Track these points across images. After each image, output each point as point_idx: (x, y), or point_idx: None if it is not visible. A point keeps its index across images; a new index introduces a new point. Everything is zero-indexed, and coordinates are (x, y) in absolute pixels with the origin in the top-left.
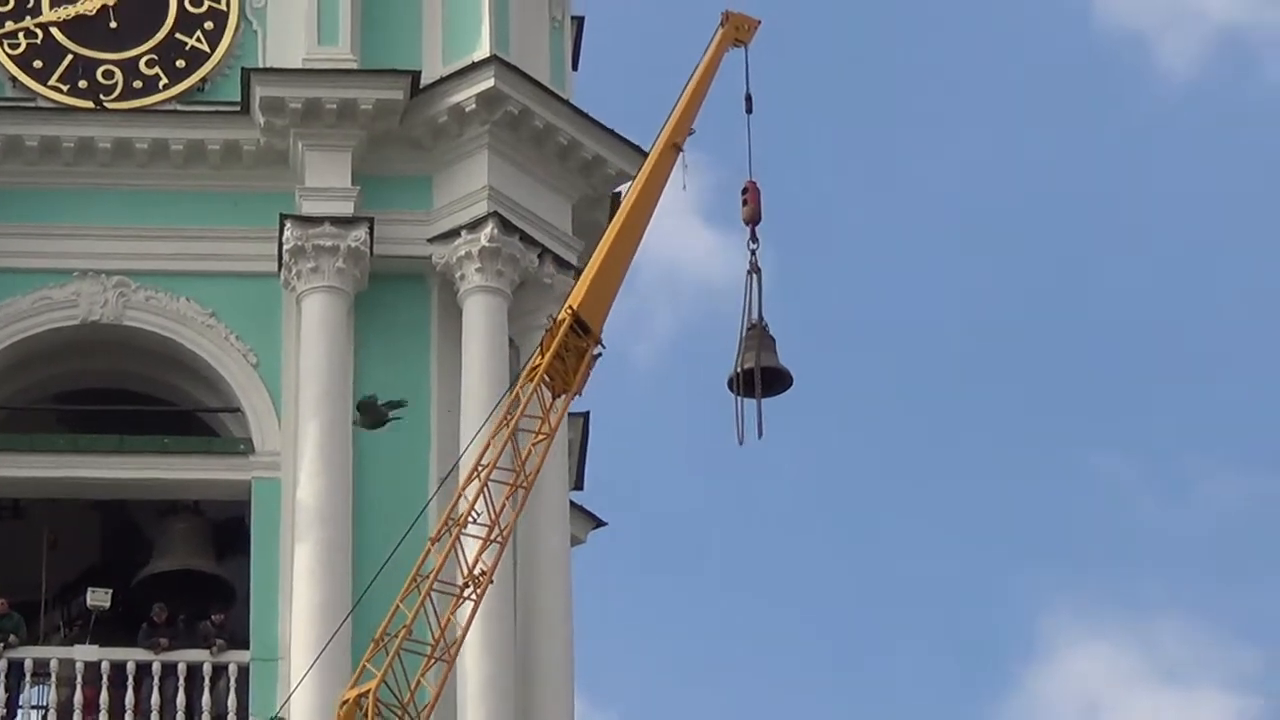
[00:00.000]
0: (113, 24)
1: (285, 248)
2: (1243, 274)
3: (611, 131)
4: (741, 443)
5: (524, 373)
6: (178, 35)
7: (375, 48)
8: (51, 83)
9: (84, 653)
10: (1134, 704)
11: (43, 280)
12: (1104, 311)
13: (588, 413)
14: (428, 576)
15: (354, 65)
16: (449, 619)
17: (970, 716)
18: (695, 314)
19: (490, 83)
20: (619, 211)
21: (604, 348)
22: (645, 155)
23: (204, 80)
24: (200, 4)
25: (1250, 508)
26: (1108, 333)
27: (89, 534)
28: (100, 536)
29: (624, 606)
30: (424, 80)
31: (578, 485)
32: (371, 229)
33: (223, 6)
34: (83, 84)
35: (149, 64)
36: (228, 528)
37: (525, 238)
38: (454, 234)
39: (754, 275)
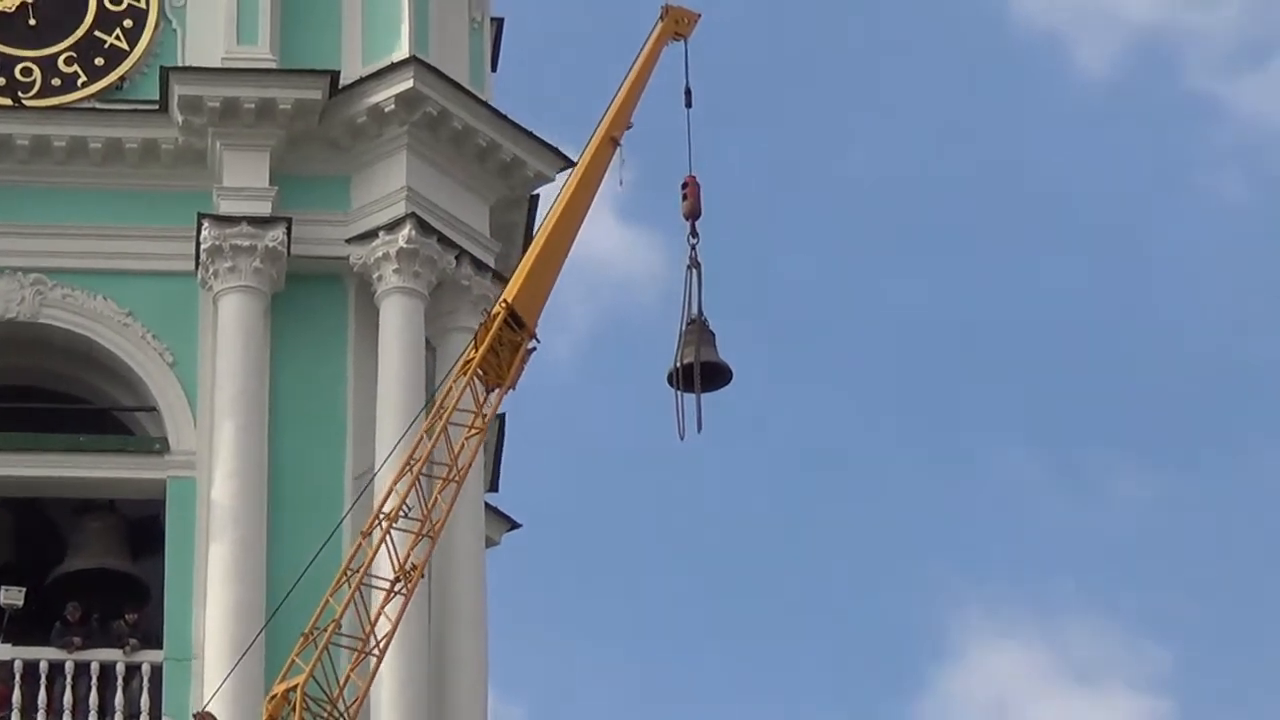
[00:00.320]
0: (32, 21)
1: (203, 247)
2: (1158, 272)
3: (530, 133)
4: (682, 438)
5: (457, 366)
6: (97, 33)
7: (295, 47)
8: None
9: None
10: (1044, 704)
11: None
12: (1017, 310)
13: (504, 415)
14: (358, 571)
15: (273, 65)
16: (379, 613)
17: (880, 715)
18: (612, 310)
19: (409, 83)
20: (554, 205)
21: (539, 342)
22: (565, 158)
23: (123, 79)
24: (120, 2)
25: (1160, 507)
26: (1021, 331)
27: (2, 532)
28: (14, 534)
29: (537, 604)
30: (343, 80)
31: (493, 487)
32: (289, 229)
33: (142, 5)
34: (0, 81)
35: (68, 62)
36: (143, 527)
37: (443, 239)
38: (372, 235)
39: (694, 270)
